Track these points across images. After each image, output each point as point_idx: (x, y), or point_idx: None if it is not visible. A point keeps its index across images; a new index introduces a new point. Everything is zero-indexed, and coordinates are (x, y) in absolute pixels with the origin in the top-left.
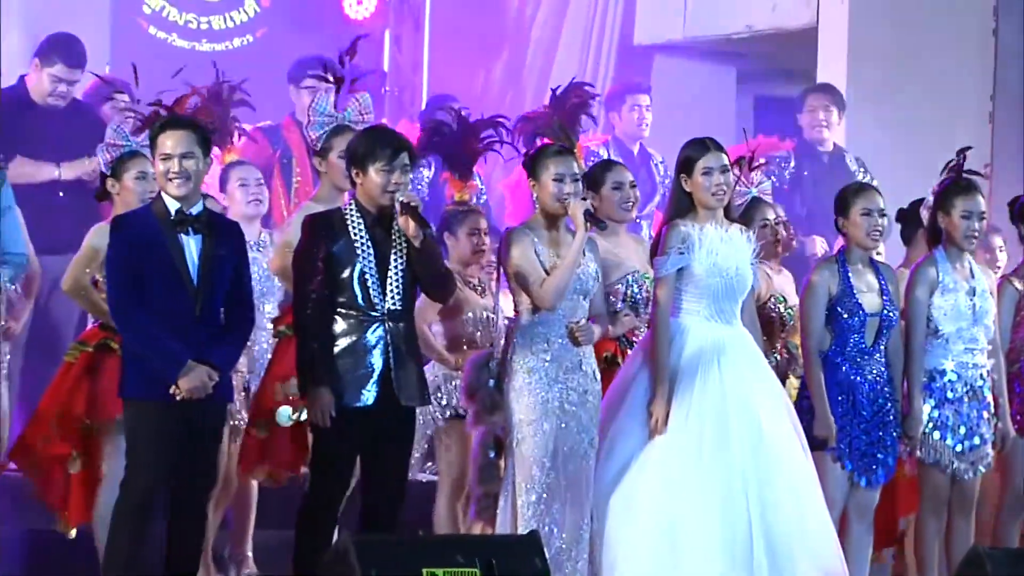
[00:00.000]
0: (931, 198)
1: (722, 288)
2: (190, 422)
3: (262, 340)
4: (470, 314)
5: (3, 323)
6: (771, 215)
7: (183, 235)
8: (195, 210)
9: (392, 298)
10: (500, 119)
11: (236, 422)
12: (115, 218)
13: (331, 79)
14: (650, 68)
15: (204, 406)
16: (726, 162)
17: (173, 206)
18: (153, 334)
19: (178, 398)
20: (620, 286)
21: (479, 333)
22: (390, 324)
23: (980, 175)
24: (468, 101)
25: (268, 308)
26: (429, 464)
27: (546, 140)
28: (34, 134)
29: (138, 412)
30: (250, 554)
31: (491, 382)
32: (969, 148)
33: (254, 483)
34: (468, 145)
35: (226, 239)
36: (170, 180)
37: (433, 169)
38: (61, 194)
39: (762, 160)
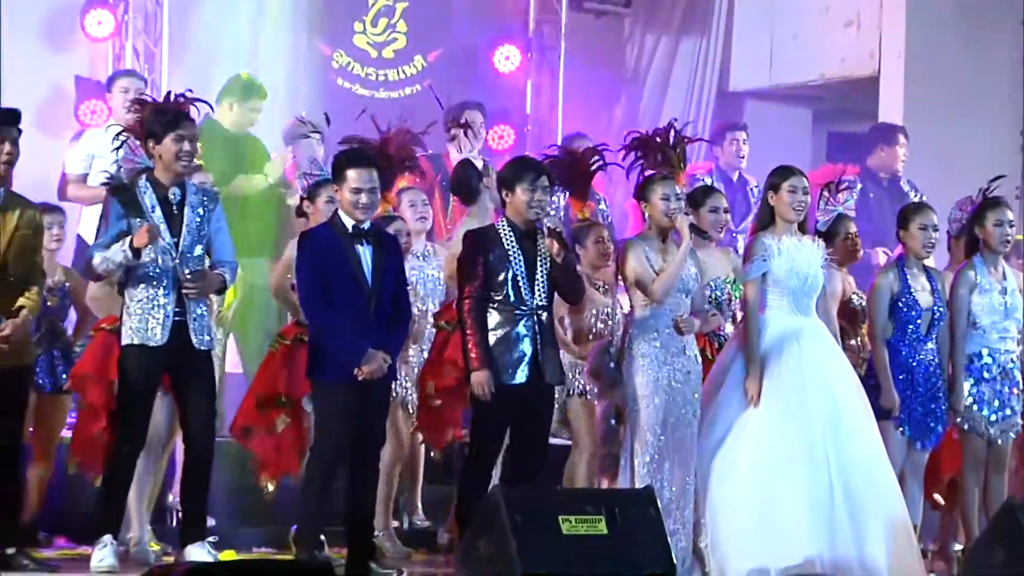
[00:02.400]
0: (957, 212)
1: (799, 287)
2: (364, 397)
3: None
4: (594, 311)
5: (217, 312)
6: (852, 229)
7: (359, 246)
8: (365, 226)
9: (538, 296)
10: (601, 147)
11: (406, 395)
12: (302, 233)
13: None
14: (742, 109)
15: (375, 384)
16: (806, 184)
17: (349, 223)
18: (339, 327)
19: (360, 379)
20: (707, 290)
21: (602, 325)
22: (537, 317)
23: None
24: (594, 138)
25: (431, 305)
26: (564, 431)
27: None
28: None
29: (323, 390)
30: (420, 504)
31: (612, 364)
32: (1003, 176)
33: (422, 446)
34: (579, 172)
35: (389, 249)
36: (358, 209)
37: (562, 196)
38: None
39: (846, 184)
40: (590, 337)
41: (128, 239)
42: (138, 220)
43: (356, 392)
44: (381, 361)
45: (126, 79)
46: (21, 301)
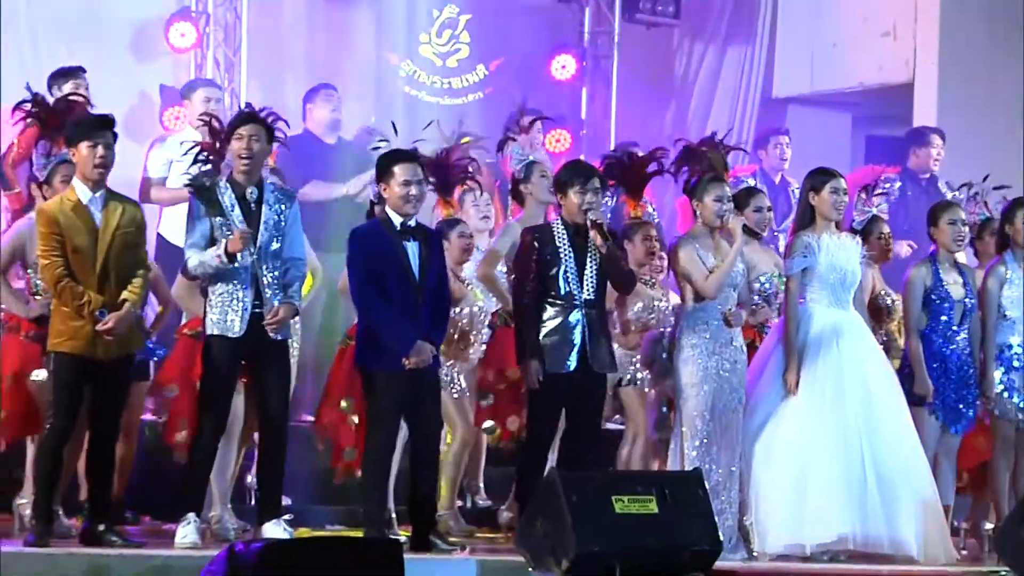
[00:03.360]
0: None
1: (838, 282)
2: (414, 386)
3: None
4: (641, 303)
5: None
6: (885, 229)
7: (407, 242)
8: (412, 223)
9: (588, 290)
10: (659, 151)
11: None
12: (353, 230)
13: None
14: (784, 115)
15: (423, 373)
16: (845, 186)
17: (397, 220)
18: (389, 319)
19: (408, 368)
20: (756, 284)
21: (650, 316)
22: (587, 310)
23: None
24: (646, 142)
25: (491, 303)
26: (616, 416)
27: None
28: (316, 165)
29: (375, 380)
30: (482, 485)
31: (664, 354)
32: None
33: (483, 435)
34: (636, 174)
35: (433, 245)
36: (408, 203)
37: (614, 196)
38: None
39: (882, 189)
40: (634, 329)
41: (223, 243)
42: (218, 218)
43: (406, 381)
44: (428, 352)
45: (206, 89)
46: (124, 295)
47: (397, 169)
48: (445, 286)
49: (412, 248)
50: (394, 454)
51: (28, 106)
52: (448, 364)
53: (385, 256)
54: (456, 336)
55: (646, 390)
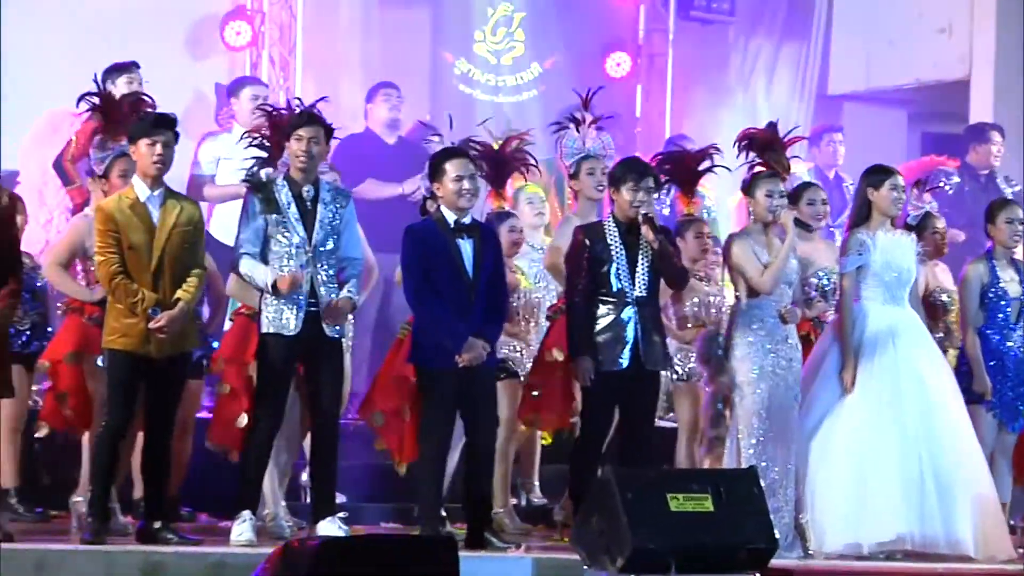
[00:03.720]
0: None
1: (894, 279)
2: (468, 382)
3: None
4: (695, 299)
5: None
6: (940, 225)
7: (460, 240)
8: (467, 220)
9: (640, 287)
10: (712, 148)
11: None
12: (408, 227)
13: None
14: (840, 112)
15: (477, 370)
16: (903, 183)
17: (451, 217)
18: (442, 316)
19: (460, 365)
20: (813, 279)
21: (701, 312)
22: (639, 307)
23: None
24: (700, 140)
25: (545, 297)
26: (670, 414)
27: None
28: (376, 163)
29: (428, 376)
30: (536, 483)
31: (719, 352)
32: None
33: (537, 432)
34: (689, 170)
35: (488, 242)
36: (462, 197)
37: (668, 193)
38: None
39: (935, 183)
40: (689, 325)
41: (273, 278)
42: (274, 216)
43: (459, 378)
44: (480, 349)
45: (253, 87)
46: (179, 293)
47: (449, 166)
48: (501, 283)
49: (466, 246)
50: (448, 452)
51: (94, 98)
52: (511, 349)
53: (438, 254)
54: (519, 320)
55: (701, 387)
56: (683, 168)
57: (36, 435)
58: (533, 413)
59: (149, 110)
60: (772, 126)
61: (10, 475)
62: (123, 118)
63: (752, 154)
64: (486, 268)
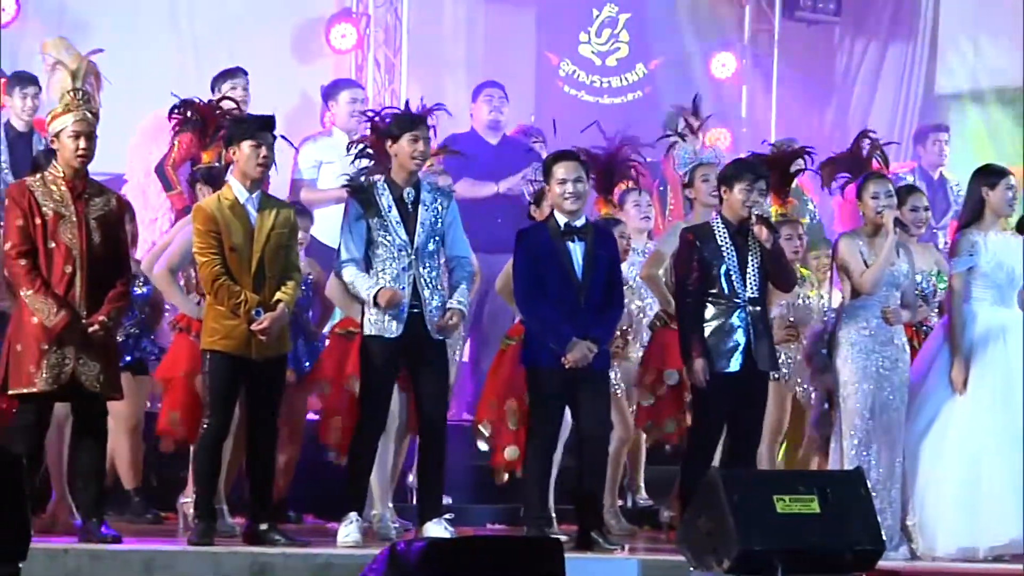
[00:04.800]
0: None
1: (1005, 280)
2: (577, 385)
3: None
4: (783, 301)
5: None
6: None
7: (570, 243)
8: (579, 223)
9: (750, 288)
10: (807, 149)
11: (629, 385)
12: (519, 231)
13: (689, 129)
14: (946, 111)
15: (587, 371)
16: (1015, 183)
17: (562, 220)
18: (549, 318)
19: (567, 367)
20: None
21: (792, 314)
22: (749, 308)
23: None
24: (806, 141)
25: (651, 302)
26: None
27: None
28: (479, 163)
29: (537, 378)
30: (642, 484)
31: (824, 351)
32: None
33: (643, 433)
34: (781, 171)
35: (602, 244)
36: (567, 199)
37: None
38: (499, 220)
39: None
40: (778, 326)
41: (377, 290)
42: (376, 219)
43: (568, 379)
44: (586, 350)
45: (351, 90)
46: (278, 295)
47: (556, 168)
48: (614, 286)
49: (576, 248)
50: (556, 453)
51: (179, 112)
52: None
53: (546, 256)
54: (616, 334)
55: (783, 387)
56: (775, 169)
57: (161, 449)
58: (650, 421)
59: (249, 112)
60: (856, 141)
61: (129, 476)
62: (218, 123)
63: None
64: (598, 270)
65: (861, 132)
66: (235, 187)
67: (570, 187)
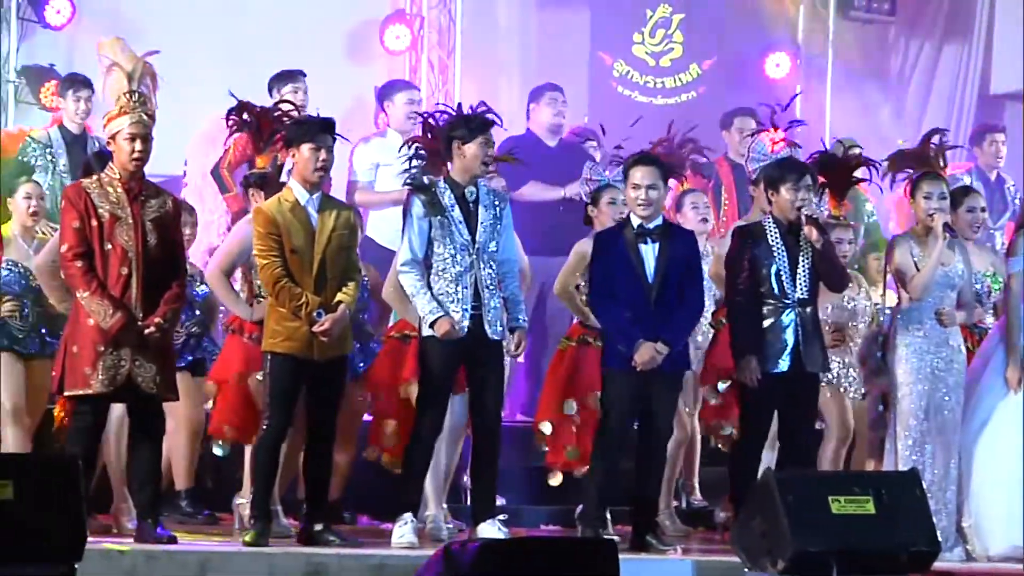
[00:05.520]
0: None
1: None
2: (648, 385)
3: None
4: (832, 303)
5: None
6: None
7: (643, 244)
8: (652, 224)
9: (800, 289)
10: (873, 162)
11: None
12: (596, 234)
13: (770, 128)
14: (1003, 112)
15: (658, 372)
16: None
17: (635, 222)
18: (619, 319)
19: (637, 368)
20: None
21: (841, 317)
22: (799, 309)
23: None
24: (860, 140)
25: (708, 303)
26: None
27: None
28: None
29: (609, 379)
30: (697, 484)
31: (879, 353)
32: None
33: (698, 435)
34: (841, 175)
35: (678, 245)
36: (638, 205)
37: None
38: (561, 209)
39: None
40: (827, 328)
41: (437, 318)
42: (438, 218)
43: (638, 382)
44: (653, 351)
45: (407, 91)
46: (339, 296)
47: (634, 172)
48: (690, 287)
49: (649, 250)
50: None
51: (235, 114)
52: None
53: (618, 258)
54: None
55: (841, 390)
56: (836, 172)
57: (214, 452)
58: (717, 420)
59: (307, 115)
60: (925, 139)
61: (184, 477)
62: (274, 126)
63: (908, 170)
64: (672, 271)
65: (932, 130)
66: (295, 189)
67: (643, 193)
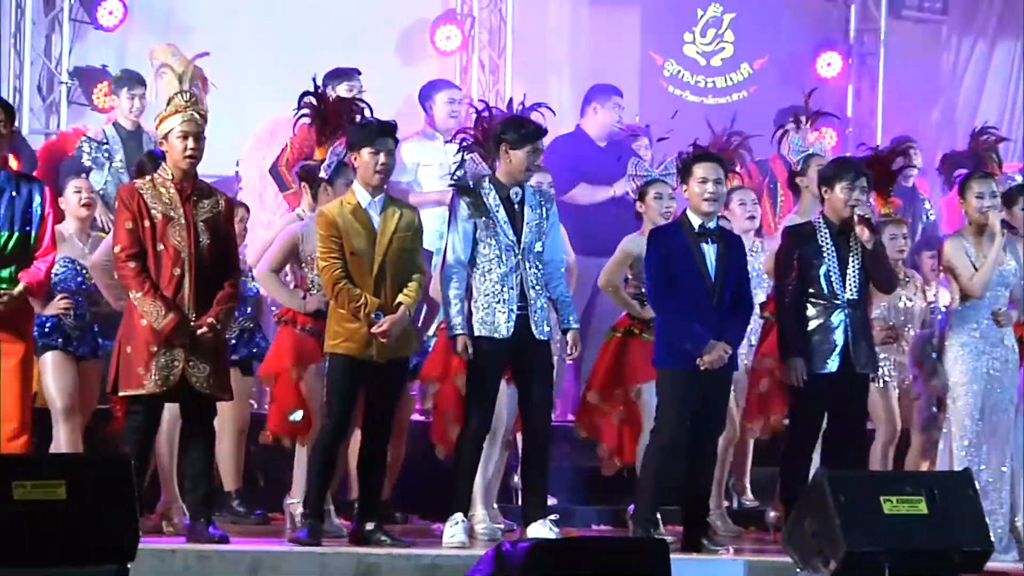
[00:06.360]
0: None
1: None
2: (706, 385)
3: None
4: (884, 303)
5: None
6: None
7: (704, 244)
8: (712, 224)
9: (850, 289)
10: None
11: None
12: (652, 231)
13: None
14: None
15: (716, 373)
16: None
17: (696, 221)
18: (684, 319)
19: (702, 368)
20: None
21: (892, 316)
22: (849, 310)
23: None
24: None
25: (760, 297)
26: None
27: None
28: (587, 165)
29: (667, 377)
30: (748, 485)
31: (933, 354)
32: None
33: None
34: (881, 170)
35: (733, 247)
36: (705, 200)
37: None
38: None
39: None
40: (878, 328)
41: (455, 333)
42: (483, 219)
43: (697, 380)
44: (722, 351)
45: (448, 91)
46: (400, 297)
47: (697, 167)
48: (745, 289)
49: (709, 250)
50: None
51: (312, 98)
52: None
53: (680, 257)
54: None
55: (889, 390)
56: (876, 167)
57: (260, 442)
58: (761, 413)
59: (370, 117)
60: (975, 137)
61: (232, 478)
62: (339, 123)
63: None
64: (731, 271)
65: (981, 128)
66: (358, 191)
67: (710, 187)
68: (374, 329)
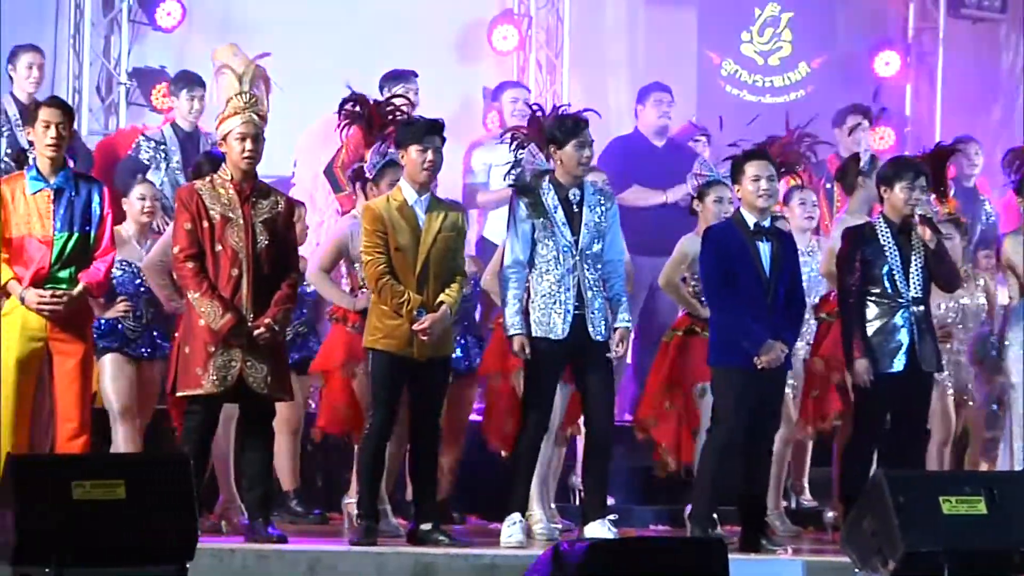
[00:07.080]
0: None
1: None
2: (762, 384)
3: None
4: (940, 302)
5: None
6: None
7: (759, 242)
8: (766, 222)
9: (913, 288)
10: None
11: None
12: (707, 229)
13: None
14: None
15: (772, 372)
16: None
17: (751, 219)
18: (742, 317)
19: (759, 367)
20: None
21: (947, 316)
22: (913, 308)
23: None
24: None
25: (814, 299)
26: None
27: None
28: (644, 166)
29: (724, 376)
30: (806, 485)
31: (994, 352)
32: None
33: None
34: (937, 169)
35: (787, 245)
36: (759, 197)
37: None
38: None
39: None
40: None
41: (513, 333)
42: (541, 220)
43: (754, 379)
44: (779, 351)
45: (513, 89)
46: (442, 297)
47: (748, 166)
48: (798, 288)
49: (764, 248)
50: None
51: (351, 104)
52: None
53: (736, 255)
54: None
55: (945, 389)
56: (932, 167)
57: (313, 439)
58: (818, 414)
59: (417, 115)
60: None
61: (289, 477)
62: (385, 123)
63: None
64: (785, 271)
65: None
66: (404, 189)
67: (764, 184)
68: (416, 326)
